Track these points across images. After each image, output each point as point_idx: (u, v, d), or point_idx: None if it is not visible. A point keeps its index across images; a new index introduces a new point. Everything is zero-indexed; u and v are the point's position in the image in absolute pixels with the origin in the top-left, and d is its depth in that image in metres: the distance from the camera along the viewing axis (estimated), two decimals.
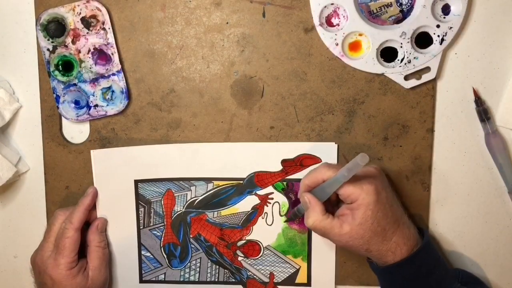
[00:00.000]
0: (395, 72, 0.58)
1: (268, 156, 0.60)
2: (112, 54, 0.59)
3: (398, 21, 0.58)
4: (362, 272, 0.62)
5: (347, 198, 0.52)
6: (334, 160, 0.60)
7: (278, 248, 0.62)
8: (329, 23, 0.58)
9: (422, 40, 0.57)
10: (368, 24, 0.57)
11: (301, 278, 0.62)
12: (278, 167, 0.60)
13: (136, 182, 0.61)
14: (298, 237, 0.61)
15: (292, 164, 0.59)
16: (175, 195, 0.61)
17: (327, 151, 0.59)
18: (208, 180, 0.61)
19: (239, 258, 0.62)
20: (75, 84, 0.59)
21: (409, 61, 0.57)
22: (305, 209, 0.54)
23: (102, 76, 0.59)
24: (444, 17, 0.57)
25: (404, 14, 0.57)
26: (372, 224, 0.52)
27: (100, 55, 0.59)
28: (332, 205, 0.57)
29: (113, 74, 0.59)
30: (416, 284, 0.54)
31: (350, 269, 0.62)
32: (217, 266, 0.62)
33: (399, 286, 0.55)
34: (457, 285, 0.54)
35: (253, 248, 0.62)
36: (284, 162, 0.60)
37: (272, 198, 0.61)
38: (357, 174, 0.51)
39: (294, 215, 0.59)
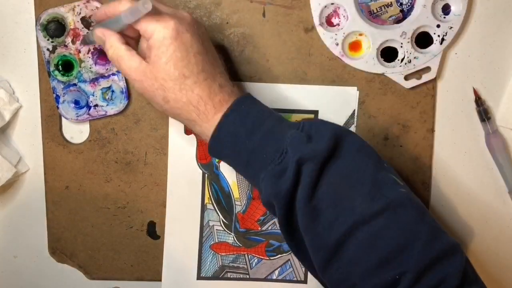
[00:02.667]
0: (395, 72, 0.58)
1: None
2: None
3: (398, 21, 0.58)
4: None
5: (145, 33, 0.48)
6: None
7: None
8: (329, 23, 0.58)
9: (422, 40, 0.57)
10: (368, 24, 0.57)
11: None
12: None
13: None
14: None
15: None
16: None
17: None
18: None
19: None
20: (75, 84, 0.59)
21: (409, 61, 0.57)
22: (102, 44, 0.51)
23: (102, 76, 0.59)
24: (445, 17, 0.57)
25: (404, 14, 0.57)
26: (167, 64, 0.47)
27: (100, 55, 0.59)
28: None
29: (113, 74, 0.59)
30: (242, 150, 0.48)
31: None
32: None
33: (225, 159, 0.51)
34: (295, 132, 0.48)
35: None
36: None
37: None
38: (164, 13, 0.48)
39: (84, 42, 0.57)
